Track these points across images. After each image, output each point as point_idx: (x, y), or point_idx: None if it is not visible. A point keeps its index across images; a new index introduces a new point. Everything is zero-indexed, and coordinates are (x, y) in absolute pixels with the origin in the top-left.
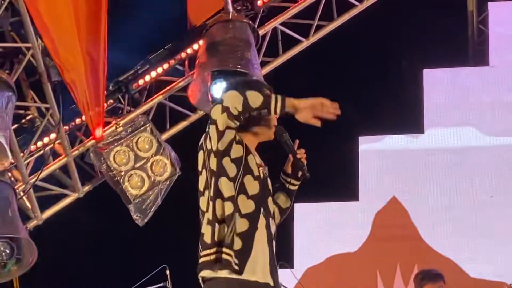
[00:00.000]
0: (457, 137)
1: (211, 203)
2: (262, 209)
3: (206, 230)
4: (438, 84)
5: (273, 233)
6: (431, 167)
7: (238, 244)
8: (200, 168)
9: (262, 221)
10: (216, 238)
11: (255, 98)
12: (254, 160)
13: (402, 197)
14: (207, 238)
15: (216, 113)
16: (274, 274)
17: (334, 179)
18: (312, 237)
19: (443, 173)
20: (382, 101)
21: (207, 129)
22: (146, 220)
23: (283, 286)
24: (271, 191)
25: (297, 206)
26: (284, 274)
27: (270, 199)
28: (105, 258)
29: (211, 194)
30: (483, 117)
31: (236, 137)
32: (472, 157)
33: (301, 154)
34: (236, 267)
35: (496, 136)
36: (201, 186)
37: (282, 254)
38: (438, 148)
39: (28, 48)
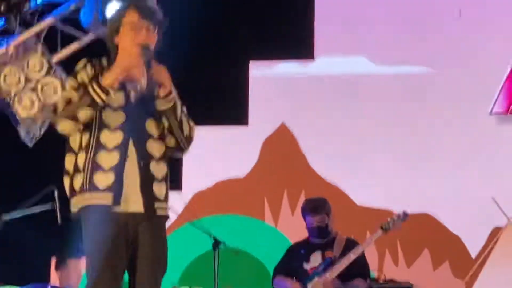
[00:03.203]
0: (348, 64)
1: None
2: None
3: None
4: (330, 10)
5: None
6: (320, 94)
7: None
8: None
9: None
10: None
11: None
12: None
13: (291, 124)
14: None
15: None
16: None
17: (224, 103)
18: (200, 161)
19: (333, 101)
20: (273, 26)
21: None
22: (34, 141)
23: (171, 209)
24: None
25: None
26: (172, 198)
27: None
28: None
29: None
30: (374, 45)
31: None
32: (362, 86)
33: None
34: None
35: (386, 64)
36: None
37: (171, 177)
38: (328, 75)
39: None
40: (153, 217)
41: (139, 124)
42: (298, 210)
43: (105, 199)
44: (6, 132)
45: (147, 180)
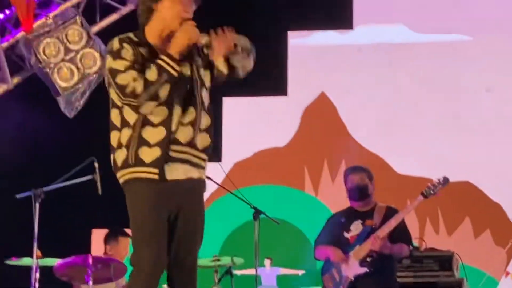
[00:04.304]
0: (386, 33)
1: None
2: None
3: None
4: None
5: None
6: (360, 63)
7: None
8: None
9: None
10: None
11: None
12: None
13: (330, 93)
14: None
15: None
16: None
17: (263, 73)
18: (241, 131)
19: (372, 70)
20: None
21: None
22: (74, 113)
23: (211, 179)
24: None
25: (226, 100)
26: (212, 168)
27: None
28: (34, 150)
29: None
30: (412, 14)
31: None
32: (401, 54)
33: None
34: None
35: (425, 33)
36: None
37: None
38: (367, 44)
39: None
40: (192, 182)
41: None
42: (338, 179)
43: (152, 172)
44: (46, 103)
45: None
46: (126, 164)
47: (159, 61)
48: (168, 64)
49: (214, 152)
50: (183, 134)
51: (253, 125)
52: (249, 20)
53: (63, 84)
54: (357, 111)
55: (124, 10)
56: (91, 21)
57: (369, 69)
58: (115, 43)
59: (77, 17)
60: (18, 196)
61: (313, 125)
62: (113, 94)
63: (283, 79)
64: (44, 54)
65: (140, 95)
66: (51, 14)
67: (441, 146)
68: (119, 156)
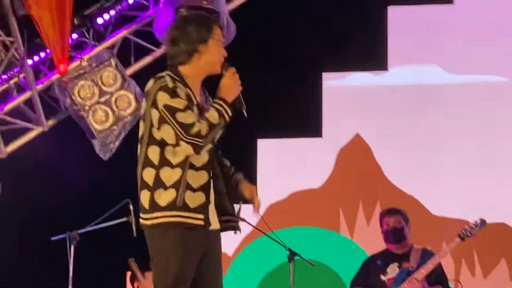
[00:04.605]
0: (420, 74)
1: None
2: None
3: None
4: (402, 21)
5: None
6: (394, 104)
7: None
8: None
9: None
10: None
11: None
12: None
13: (365, 134)
14: None
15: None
16: None
17: (298, 115)
18: (275, 173)
19: (406, 111)
20: (346, 37)
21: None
22: (109, 155)
23: (246, 221)
24: None
25: (261, 142)
26: (246, 210)
27: None
28: (68, 193)
29: None
30: (446, 55)
31: None
32: (435, 95)
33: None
34: None
35: (459, 74)
36: None
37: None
38: (401, 85)
39: None
40: (218, 232)
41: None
42: (374, 221)
43: (197, 218)
44: (81, 145)
45: (219, 195)
46: (172, 206)
47: (218, 106)
48: (224, 109)
49: None
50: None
51: (287, 167)
52: (284, 61)
53: (98, 127)
54: (391, 152)
55: (159, 51)
56: (126, 63)
57: (403, 110)
58: (168, 81)
59: (112, 59)
60: (53, 238)
61: (348, 167)
62: (165, 132)
63: (318, 121)
64: (79, 96)
65: (205, 136)
66: (86, 57)
67: (477, 188)
68: (162, 196)
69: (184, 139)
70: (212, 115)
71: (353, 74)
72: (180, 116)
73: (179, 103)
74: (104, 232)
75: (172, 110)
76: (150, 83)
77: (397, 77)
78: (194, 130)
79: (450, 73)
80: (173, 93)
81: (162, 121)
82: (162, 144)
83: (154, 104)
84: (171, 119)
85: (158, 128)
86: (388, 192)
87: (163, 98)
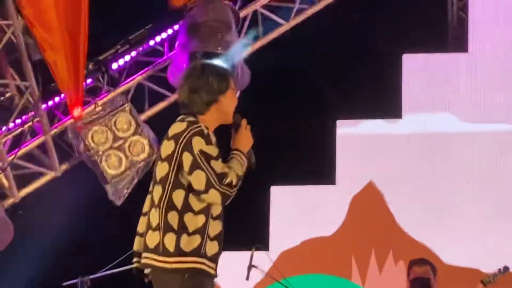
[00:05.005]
0: (435, 123)
1: None
2: None
3: None
4: (417, 69)
5: None
6: (408, 152)
7: None
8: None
9: None
10: None
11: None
12: None
13: (378, 182)
14: None
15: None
16: None
17: (311, 162)
18: (288, 220)
19: (420, 159)
20: (360, 85)
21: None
22: (122, 200)
23: (258, 269)
24: None
25: (274, 189)
26: (259, 257)
27: None
28: (81, 238)
29: None
30: (461, 103)
31: None
32: (449, 143)
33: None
34: None
35: (474, 122)
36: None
37: (257, 237)
38: (415, 134)
39: (8, 26)
40: None
41: None
42: (386, 269)
43: (212, 267)
44: (94, 190)
45: None
46: (197, 253)
47: (239, 158)
48: (244, 162)
49: (261, 241)
50: None
51: (300, 214)
52: (299, 109)
53: (111, 172)
54: (404, 200)
55: (173, 97)
56: (140, 108)
57: (417, 158)
58: (203, 127)
59: (126, 105)
60: (64, 283)
61: (361, 214)
62: (196, 177)
63: (332, 168)
64: (93, 141)
65: (235, 187)
66: (100, 102)
67: (490, 237)
68: (187, 241)
69: (217, 187)
70: (238, 167)
71: (367, 122)
72: (215, 165)
73: (213, 151)
74: (116, 278)
75: (208, 157)
76: (182, 126)
77: (411, 124)
78: (228, 180)
79: (464, 121)
80: (208, 140)
81: (195, 166)
82: (189, 189)
83: (188, 148)
84: (206, 166)
85: (189, 173)
86: (401, 240)
87: (199, 143)
